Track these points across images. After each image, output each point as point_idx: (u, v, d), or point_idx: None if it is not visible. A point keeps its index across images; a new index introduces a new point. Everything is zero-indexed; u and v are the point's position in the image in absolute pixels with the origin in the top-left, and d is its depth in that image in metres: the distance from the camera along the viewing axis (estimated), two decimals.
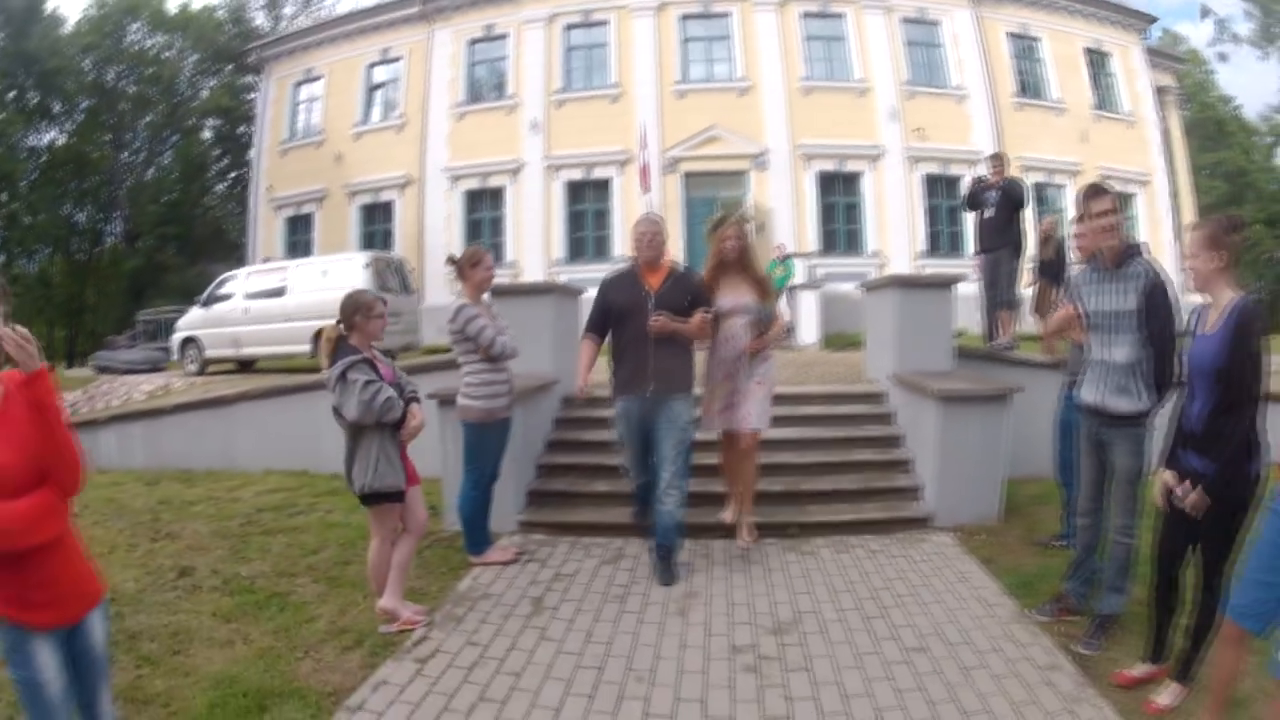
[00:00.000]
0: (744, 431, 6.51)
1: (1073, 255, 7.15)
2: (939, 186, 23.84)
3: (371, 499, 5.24)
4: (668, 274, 6.27)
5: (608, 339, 6.43)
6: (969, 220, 13.04)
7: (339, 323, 5.34)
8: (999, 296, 10.47)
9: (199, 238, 40.75)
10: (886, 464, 8.03)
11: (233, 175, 43.91)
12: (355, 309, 5.32)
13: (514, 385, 6.60)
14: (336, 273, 16.20)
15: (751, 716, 4.15)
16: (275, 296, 16.66)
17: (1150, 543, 4.41)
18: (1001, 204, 10.46)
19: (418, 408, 5.39)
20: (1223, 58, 43.31)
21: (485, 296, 6.60)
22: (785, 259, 20.65)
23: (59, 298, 38.68)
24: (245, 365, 17.44)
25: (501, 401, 6.46)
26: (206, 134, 42.96)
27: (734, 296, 6.48)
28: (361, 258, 17.03)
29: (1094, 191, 5.00)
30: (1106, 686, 4.27)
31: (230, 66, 40.11)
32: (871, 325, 10.33)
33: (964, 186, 13.48)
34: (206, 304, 17.67)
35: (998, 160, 11.02)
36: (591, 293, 6.80)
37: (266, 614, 5.61)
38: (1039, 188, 24.59)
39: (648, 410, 6.13)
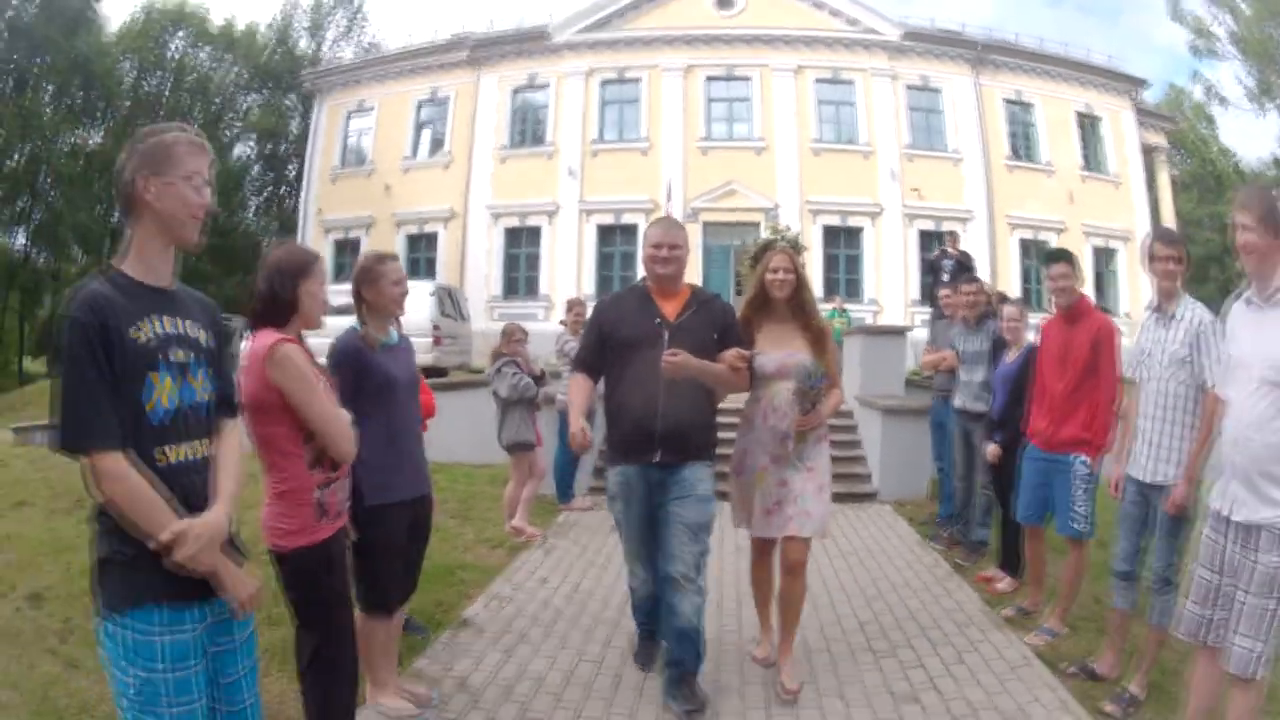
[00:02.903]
0: (794, 540, 5.03)
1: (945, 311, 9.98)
2: (933, 242, 26.70)
3: (513, 449, 8.84)
4: (689, 299, 4.88)
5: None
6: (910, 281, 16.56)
7: (501, 343, 8.99)
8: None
9: (235, 249, 44.22)
10: (848, 458, 11.59)
11: (268, 191, 47.59)
12: (507, 334, 8.99)
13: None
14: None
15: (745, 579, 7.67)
16: (346, 314, 20.07)
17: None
18: (955, 272, 14.02)
19: (547, 390, 8.99)
20: (1210, 120, 46.38)
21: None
22: (844, 309, 22.75)
23: None
24: None
25: None
26: (243, 149, 46.62)
27: (782, 351, 5.02)
28: (427, 286, 20.33)
29: (968, 279, 8.61)
30: (973, 582, 7.54)
31: (271, 85, 43.91)
32: (845, 361, 14.07)
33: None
34: None
35: (953, 236, 14.75)
36: None
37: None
38: (1025, 244, 28.35)
39: (655, 483, 4.74)
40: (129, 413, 2.38)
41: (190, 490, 2.47)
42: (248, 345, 3.50)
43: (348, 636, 3.73)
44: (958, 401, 8.31)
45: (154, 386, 2.44)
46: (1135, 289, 28.59)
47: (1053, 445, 5.98)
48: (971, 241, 26.76)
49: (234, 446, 2.68)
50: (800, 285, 5.13)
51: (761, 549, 5.45)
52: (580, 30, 29.11)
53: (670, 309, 4.84)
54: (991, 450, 7.33)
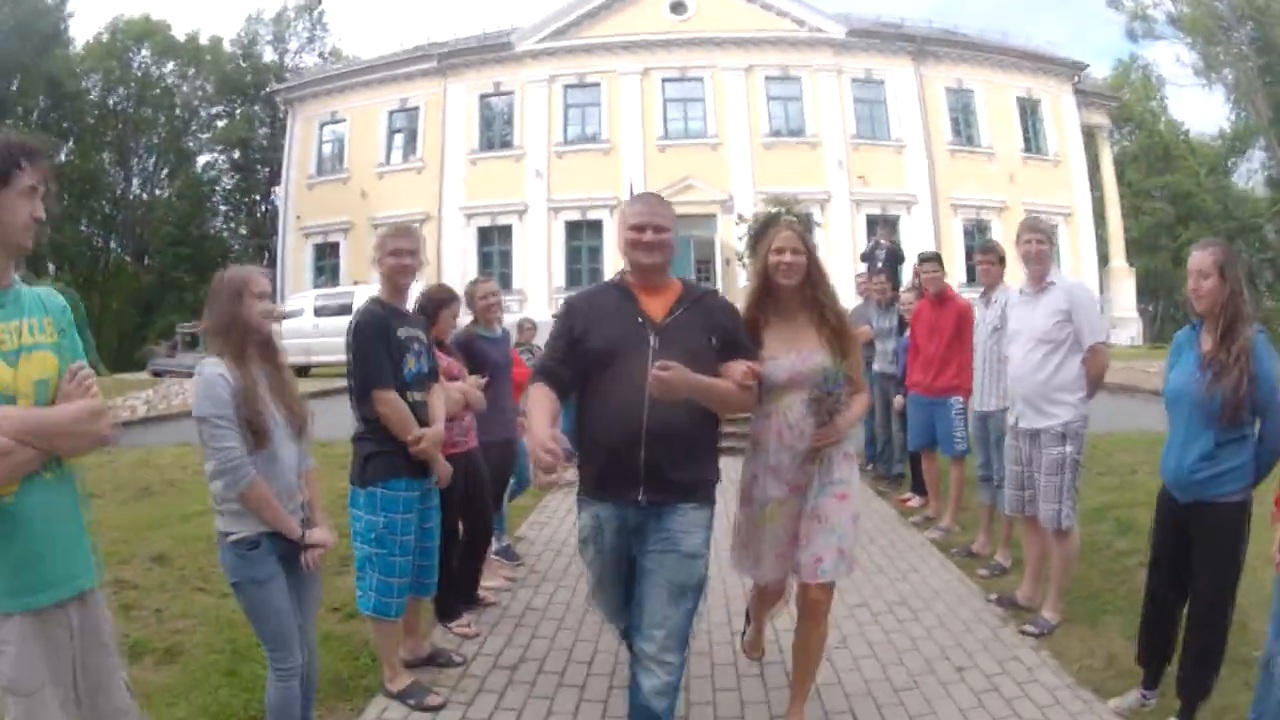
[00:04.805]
0: (815, 584, 4.18)
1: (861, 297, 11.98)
2: (878, 225, 28.31)
3: None
4: (679, 296, 3.90)
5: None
6: (862, 268, 18.56)
7: (518, 335, 11.09)
8: None
9: (207, 257, 45.81)
10: None
11: (236, 197, 49.33)
12: (521, 327, 11.21)
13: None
14: None
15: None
16: (343, 314, 21.79)
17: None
18: (887, 260, 16.26)
19: None
20: (1154, 95, 48.58)
21: None
22: None
23: (80, 310, 43.30)
24: (301, 371, 21.30)
25: None
26: (210, 157, 48.40)
27: (795, 354, 4.12)
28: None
29: (878, 271, 10.75)
30: (892, 503, 9.68)
31: (240, 98, 45.56)
32: None
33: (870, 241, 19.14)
34: (277, 320, 22.72)
35: (886, 229, 16.96)
36: None
37: None
38: (968, 225, 30.49)
39: (635, 527, 3.80)
40: (398, 374, 4.55)
41: (420, 415, 4.63)
42: None
43: (488, 520, 6.12)
44: (876, 366, 10.45)
45: (407, 362, 4.61)
46: (1078, 263, 30.95)
47: (933, 391, 8.23)
48: (916, 224, 29.32)
49: (440, 396, 4.90)
50: (813, 268, 4.19)
51: (769, 593, 4.57)
52: (542, 39, 30.96)
53: (656, 308, 3.84)
54: (898, 402, 9.58)
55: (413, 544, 4.67)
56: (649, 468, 3.64)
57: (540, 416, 3.68)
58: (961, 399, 7.93)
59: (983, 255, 7.37)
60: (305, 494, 3.79)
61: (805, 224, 5.66)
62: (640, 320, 3.76)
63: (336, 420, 5.59)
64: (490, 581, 6.61)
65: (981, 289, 7.33)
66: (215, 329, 3.60)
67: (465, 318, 6.53)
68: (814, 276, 4.17)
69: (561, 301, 5.05)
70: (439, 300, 5.88)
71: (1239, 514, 3.98)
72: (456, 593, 5.83)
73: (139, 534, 7.63)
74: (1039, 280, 5.82)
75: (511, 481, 7.43)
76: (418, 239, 4.91)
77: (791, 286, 4.13)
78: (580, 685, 4.91)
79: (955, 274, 19.88)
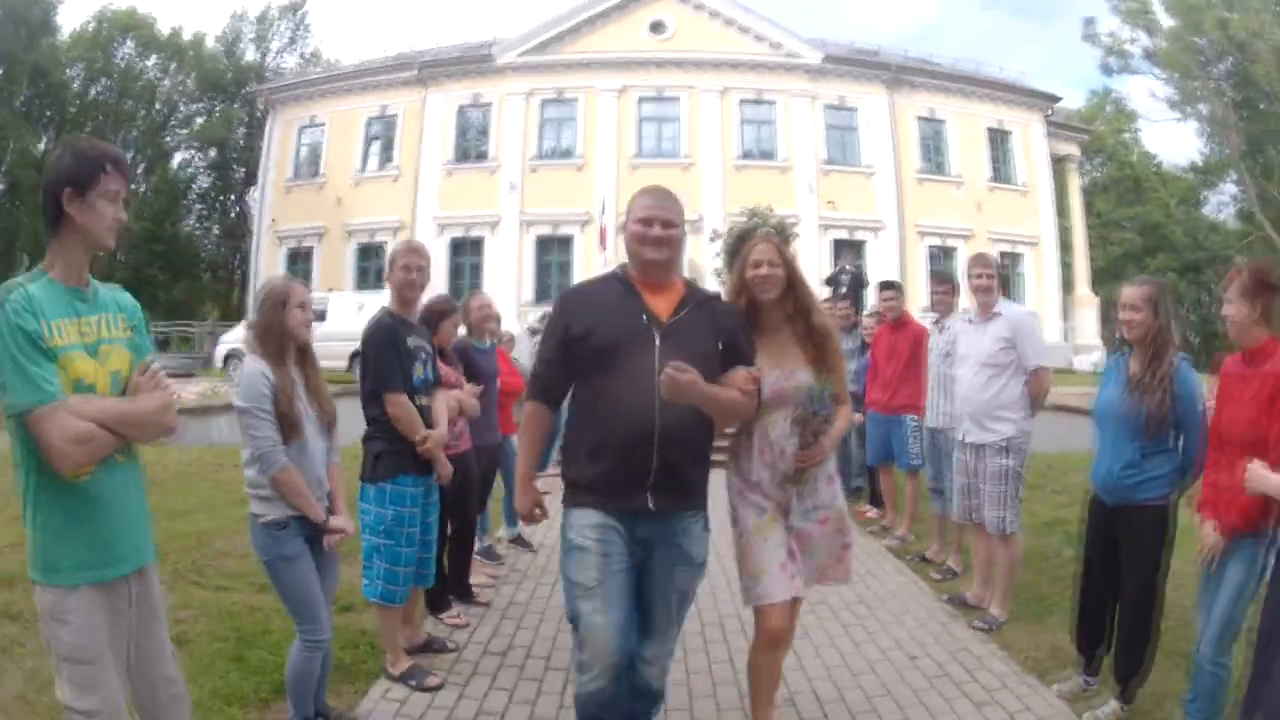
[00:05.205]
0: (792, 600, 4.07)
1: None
2: (844, 250, 28.71)
3: None
4: (684, 296, 3.75)
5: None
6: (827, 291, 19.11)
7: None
8: None
9: (179, 255, 45.85)
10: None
11: (211, 196, 49.36)
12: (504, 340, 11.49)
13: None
14: (370, 306, 21.88)
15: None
16: (315, 320, 22.20)
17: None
18: (851, 285, 16.83)
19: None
20: (1120, 132, 49.44)
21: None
22: None
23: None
24: None
25: None
26: (186, 154, 48.44)
27: (779, 372, 3.99)
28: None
29: (840, 298, 11.21)
30: (851, 514, 9.81)
31: (220, 96, 45.64)
32: None
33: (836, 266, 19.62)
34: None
35: (852, 254, 17.55)
36: None
37: None
38: (934, 251, 31.25)
39: (640, 539, 3.65)
40: (407, 381, 4.91)
41: (425, 418, 4.99)
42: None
43: (473, 519, 6.56)
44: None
45: (415, 369, 4.98)
46: (1041, 290, 31.94)
47: (890, 409, 8.72)
48: (882, 249, 30.06)
49: (443, 401, 5.27)
50: (793, 281, 4.07)
51: (773, 620, 4.00)
52: (522, 53, 31.46)
53: (662, 306, 3.67)
54: (857, 419, 9.97)
55: (417, 536, 5.05)
56: (659, 471, 3.51)
57: (528, 453, 3.86)
58: (916, 417, 8.38)
59: (938, 285, 8.05)
60: (329, 484, 4.20)
61: (783, 234, 5.46)
62: (645, 318, 3.60)
63: None
64: (474, 579, 6.97)
65: (936, 317, 7.91)
66: (258, 333, 4.05)
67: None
68: (795, 288, 4.07)
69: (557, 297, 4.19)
70: (440, 311, 6.20)
71: (1161, 516, 4.46)
72: (446, 586, 6.23)
73: None
74: (986, 310, 6.41)
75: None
76: (427, 256, 5.32)
77: (772, 300, 4.02)
78: (566, 668, 5.24)
79: (919, 300, 20.46)
